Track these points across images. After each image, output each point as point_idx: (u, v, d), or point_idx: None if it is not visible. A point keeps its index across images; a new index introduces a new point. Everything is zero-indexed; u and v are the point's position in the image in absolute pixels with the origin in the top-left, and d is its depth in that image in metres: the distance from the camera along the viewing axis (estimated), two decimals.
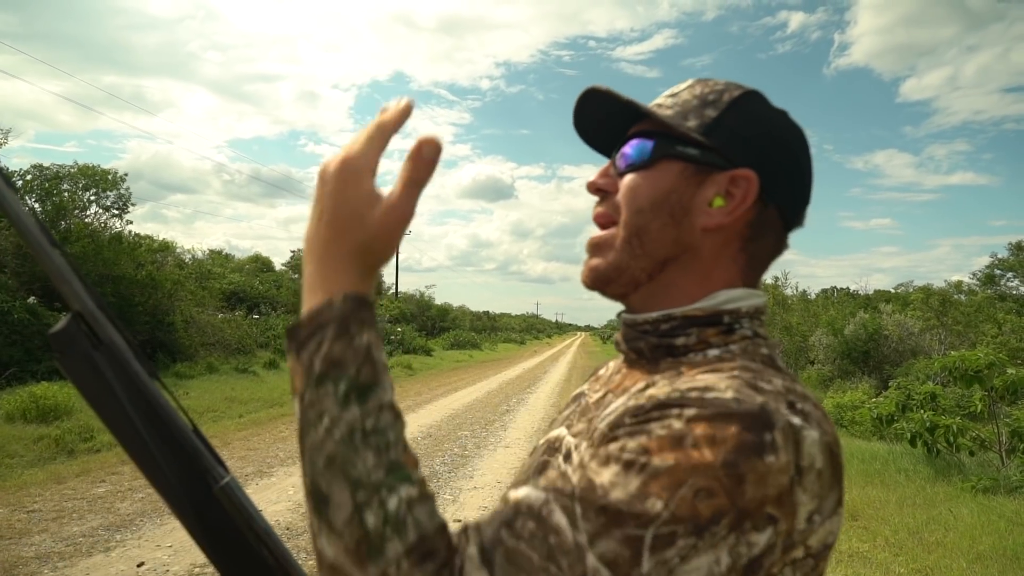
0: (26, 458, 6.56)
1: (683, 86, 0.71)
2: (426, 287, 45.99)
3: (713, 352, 0.63)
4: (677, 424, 0.50)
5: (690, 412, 0.50)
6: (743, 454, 0.48)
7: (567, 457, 0.64)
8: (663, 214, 0.65)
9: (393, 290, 38.01)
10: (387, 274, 38.39)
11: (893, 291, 31.13)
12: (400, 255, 38.97)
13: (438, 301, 43.99)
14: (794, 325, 20.46)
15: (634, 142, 0.68)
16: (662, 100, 0.70)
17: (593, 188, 0.71)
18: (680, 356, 0.64)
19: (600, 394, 0.71)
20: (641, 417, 0.52)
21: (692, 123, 0.66)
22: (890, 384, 9.88)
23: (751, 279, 0.68)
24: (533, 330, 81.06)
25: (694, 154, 0.65)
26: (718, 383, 0.53)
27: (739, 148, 0.66)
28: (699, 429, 0.49)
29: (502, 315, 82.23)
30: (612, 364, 0.79)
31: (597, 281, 0.69)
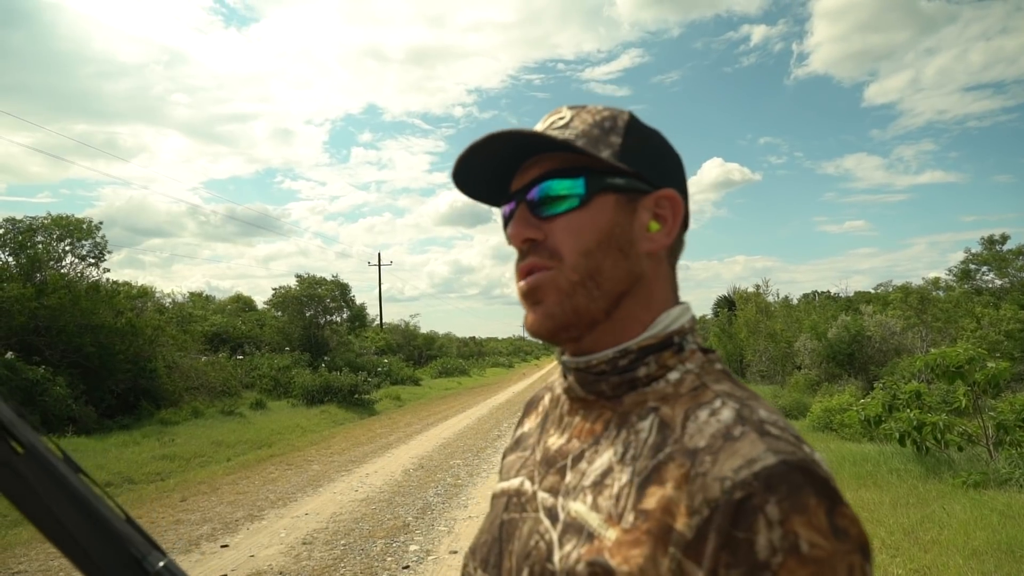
0: (9, 517, 6.40)
1: (566, 116, 0.68)
2: (410, 316, 45.81)
3: (674, 376, 0.64)
4: (773, 537, 0.48)
5: (773, 512, 0.49)
6: (835, 518, 0.50)
7: (553, 517, 0.63)
8: (613, 250, 0.65)
9: (378, 321, 37.80)
10: (371, 305, 38.25)
11: (873, 292, 31.44)
12: (383, 285, 38.83)
13: (423, 330, 43.83)
14: (779, 332, 20.59)
15: (553, 183, 0.66)
16: (554, 132, 0.67)
17: (524, 240, 0.67)
18: (642, 387, 0.64)
19: (562, 439, 0.70)
20: (725, 532, 0.50)
21: (606, 152, 0.65)
22: (876, 385, 9.95)
23: (676, 290, 0.71)
24: (521, 352, 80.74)
25: (622, 184, 0.66)
26: (749, 449, 0.53)
27: (653, 169, 0.68)
28: (796, 525, 0.48)
29: (489, 339, 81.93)
30: (549, 397, 0.78)
31: (555, 328, 0.66)
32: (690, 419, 0.59)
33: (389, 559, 5.07)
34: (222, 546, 5.47)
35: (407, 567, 4.88)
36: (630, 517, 0.56)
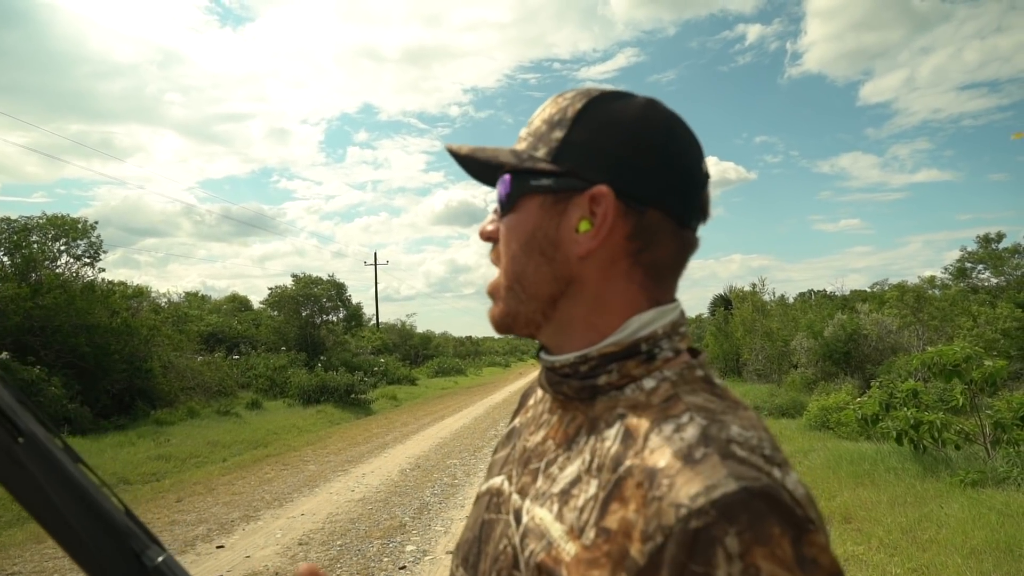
0: (4, 518, 6.37)
1: (539, 111, 0.68)
2: (407, 316, 45.76)
3: (648, 383, 0.60)
4: (734, 571, 0.46)
5: (732, 544, 0.46)
6: (803, 548, 0.47)
7: (518, 519, 0.63)
8: (534, 254, 0.64)
9: (374, 321, 37.76)
10: (367, 305, 38.18)
11: (869, 290, 31.53)
12: (379, 285, 38.76)
13: (420, 329, 43.85)
14: (775, 331, 20.62)
15: (500, 182, 0.67)
16: (522, 133, 0.69)
17: (485, 237, 0.71)
18: (614, 392, 0.62)
19: (538, 437, 0.69)
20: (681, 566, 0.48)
21: (541, 152, 0.64)
22: (872, 383, 9.97)
23: (658, 291, 0.64)
24: (518, 352, 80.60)
25: (548, 184, 0.63)
26: (709, 473, 0.50)
27: (591, 164, 0.62)
28: (757, 557, 0.46)
29: (485, 339, 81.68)
30: (541, 392, 0.75)
31: (499, 327, 0.69)
32: (653, 432, 0.56)
33: (386, 559, 5.05)
34: (218, 547, 5.44)
35: (404, 567, 4.86)
36: (591, 534, 0.54)
